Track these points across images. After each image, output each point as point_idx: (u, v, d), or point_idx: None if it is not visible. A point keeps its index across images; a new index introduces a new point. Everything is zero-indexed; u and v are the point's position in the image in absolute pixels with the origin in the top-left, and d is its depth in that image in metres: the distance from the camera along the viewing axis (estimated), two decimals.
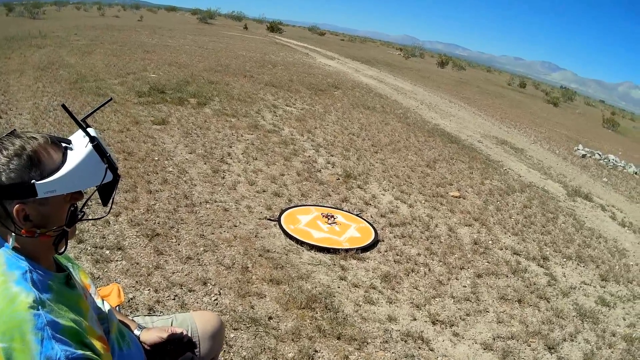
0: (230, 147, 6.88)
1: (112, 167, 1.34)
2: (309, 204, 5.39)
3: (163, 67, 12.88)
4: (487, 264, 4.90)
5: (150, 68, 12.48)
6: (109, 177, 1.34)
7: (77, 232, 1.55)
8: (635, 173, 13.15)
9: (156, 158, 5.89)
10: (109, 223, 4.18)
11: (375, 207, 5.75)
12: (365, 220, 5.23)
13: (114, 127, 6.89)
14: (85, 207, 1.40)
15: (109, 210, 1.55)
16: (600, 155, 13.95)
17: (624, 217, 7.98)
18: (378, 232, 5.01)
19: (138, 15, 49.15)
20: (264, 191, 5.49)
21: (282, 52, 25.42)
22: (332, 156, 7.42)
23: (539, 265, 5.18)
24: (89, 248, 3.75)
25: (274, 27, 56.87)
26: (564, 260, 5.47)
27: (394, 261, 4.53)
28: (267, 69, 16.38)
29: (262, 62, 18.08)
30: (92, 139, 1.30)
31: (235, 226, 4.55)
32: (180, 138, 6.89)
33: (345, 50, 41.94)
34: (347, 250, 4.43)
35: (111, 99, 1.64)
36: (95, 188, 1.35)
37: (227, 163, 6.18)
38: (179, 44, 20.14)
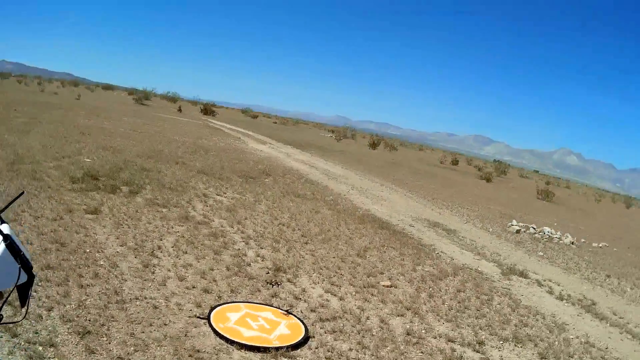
0: (161, 239, 6.91)
1: (25, 266, 1.29)
2: (239, 300, 5.49)
3: (97, 152, 12.84)
4: (420, 354, 4.99)
5: (85, 152, 12.42)
6: (24, 277, 1.29)
7: (11, 325, 1.53)
8: (572, 243, 13.74)
9: (88, 250, 5.86)
10: (42, 318, 4.15)
11: (305, 301, 5.81)
12: (295, 316, 5.33)
13: (48, 214, 6.82)
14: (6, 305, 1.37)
15: (25, 314, 1.50)
16: (534, 228, 14.49)
17: (562, 290, 8.37)
18: (308, 328, 5.07)
19: (76, 93, 48.65)
20: (194, 287, 5.54)
21: (214, 137, 25.76)
22: (262, 249, 7.55)
23: (474, 350, 5.29)
24: (23, 343, 3.73)
25: (208, 110, 57.75)
26: (501, 342, 5.61)
27: (325, 358, 4.58)
28: (199, 155, 16.55)
29: (195, 148, 18.27)
30: (5, 238, 1.26)
31: (165, 324, 4.57)
32: (112, 229, 6.88)
33: (278, 133, 42.89)
34: (277, 349, 4.48)
35: (23, 193, 1.64)
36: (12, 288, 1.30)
37: (157, 257, 6.20)
38: (114, 127, 20.12)
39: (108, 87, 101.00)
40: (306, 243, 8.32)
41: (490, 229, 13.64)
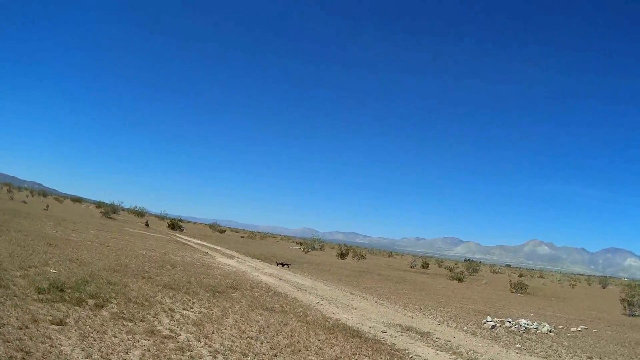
0: (127, 353, 6.75)
1: None
2: None
3: (64, 263, 12.67)
4: None
5: (52, 263, 12.26)
6: None
7: None
8: (550, 331, 13.63)
9: None
10: None
11: None
12: None
13: (14, 322, 6.72)
14: None
15: None
16: (510, 322, 14.34)
17: None
18: None
19: (45, 204, 48.31)
20: None
21: (181, 252, 25.56)
22: None
23: None
24: None
25: (175, 225, 57.63)
26: None
27: None
28: (166, 269, 16.36)
29: (162, 262, 18.07)
30: None
31: None
32: (78, 341, 6.72)
33: (245, 247, 42.69)
34: None
35: None
36: None
37: None
38: (81, 239, 19.92)
39: (77, 200, 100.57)
40: (275, 355, 8.15)
41: (465, 328, 13.55)
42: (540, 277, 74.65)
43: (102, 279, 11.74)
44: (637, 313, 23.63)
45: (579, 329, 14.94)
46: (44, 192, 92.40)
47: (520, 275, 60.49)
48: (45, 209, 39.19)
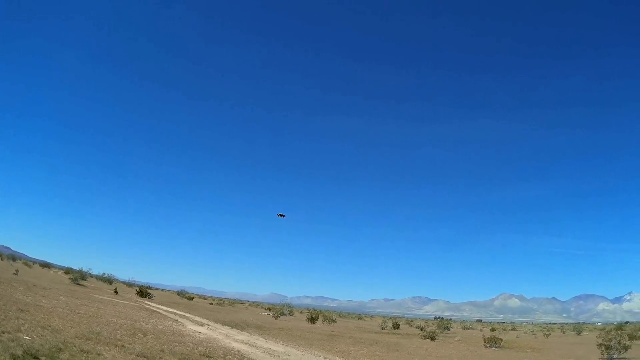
0: None
1: None
2: None
3: (36, 330, 12.36)
4: None
5: (24, 329, 11.97)
6: None
7: None
8: None
9: None
10: None
11: None
12: None
13: None
14: None
15: None
16: None
17: None
18: None
19: (14, 268, 46.86)
20: None
21: (152, 319, 24.94)
22: None
23: None
24: None
25: (144, 292, 56.44)
26: None
27: None
28: (137, 337, 15.94)
29: (133, 330, 17.61)
30: None
31: None
32: None
33: (215, 314, 41.75)
34: None
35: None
36: None
37: None
38: (52, 305, 19.41)
39: (45, 265, 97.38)
40: None
41: None
42: (513, 329, 74.28)
43: (75, 346, 11.45)
44: (615, 356, 23.65)
45: None
46: (13, 257, 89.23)
47: (493, 330, 60.20)
48: (15, 274, 38.00)
